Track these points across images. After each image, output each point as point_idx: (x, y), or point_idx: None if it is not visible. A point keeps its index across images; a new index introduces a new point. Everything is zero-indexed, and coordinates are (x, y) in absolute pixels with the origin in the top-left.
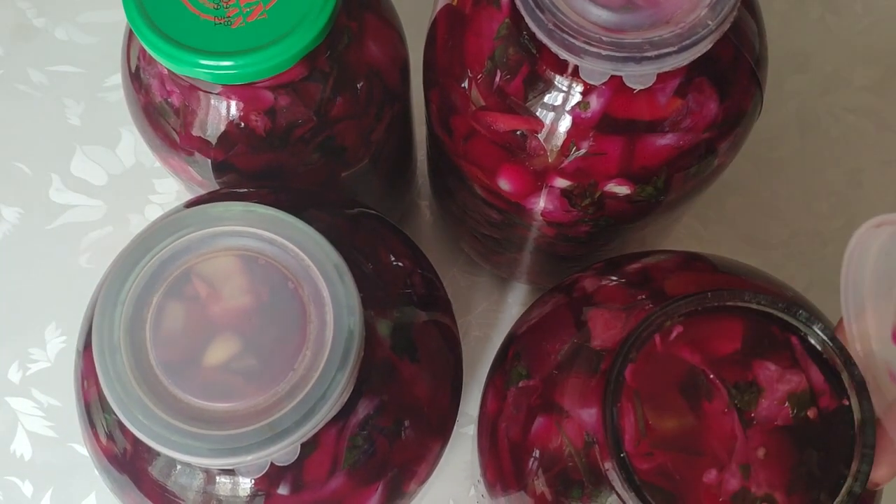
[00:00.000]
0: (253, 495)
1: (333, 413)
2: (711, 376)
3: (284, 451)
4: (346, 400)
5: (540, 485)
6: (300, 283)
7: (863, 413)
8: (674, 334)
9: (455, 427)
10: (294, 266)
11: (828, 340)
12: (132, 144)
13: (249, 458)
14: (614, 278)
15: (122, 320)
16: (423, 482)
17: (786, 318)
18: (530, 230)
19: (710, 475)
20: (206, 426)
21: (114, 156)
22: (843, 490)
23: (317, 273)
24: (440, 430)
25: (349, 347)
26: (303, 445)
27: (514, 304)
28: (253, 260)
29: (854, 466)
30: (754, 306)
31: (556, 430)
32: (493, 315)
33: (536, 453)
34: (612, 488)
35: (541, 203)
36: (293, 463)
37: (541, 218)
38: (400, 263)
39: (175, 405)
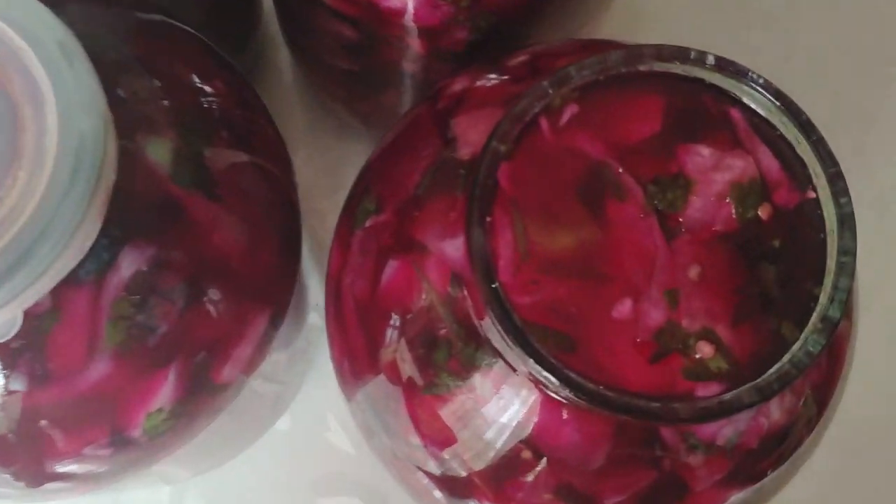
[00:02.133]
0: None
1: (70, 263)
2: (620, 171)
3: None
4: (89, 245)
5: (397, 356)
6: (8, 76)
7: (839, 207)
8: (566, 117)
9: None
10: None
11: (784, 108)
12: None
13: None
14: (493, 76)
15: None
16: (247, 370)
17: (723, 81)
18: (396, 50)
19: (623, 308)
20: None
21: None
22: (815, 316)
23: (32, 57)
24: (264, 297)
25: (81, 161)
26: (38, 316)
27: None
28: None
29: (829, 282)
30: (678, 69)
31: (415, 274)
32: None
33: (392, 314)
34: (490, 345)
35: None
36: (28, 342)
37: (404, 23)
38: (207, 87)
39: None
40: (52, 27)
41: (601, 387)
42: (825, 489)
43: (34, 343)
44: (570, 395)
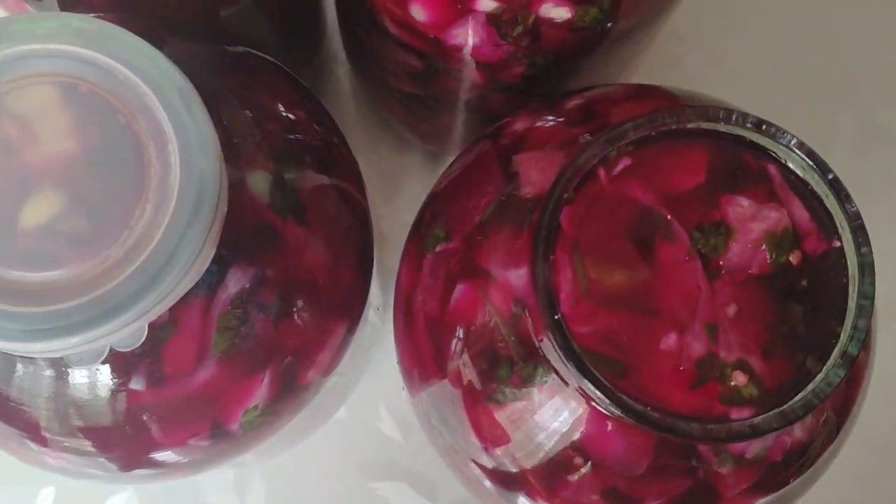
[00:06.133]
0: (113, 390)
1: (188, 284)
2: (669, 217)
3: (124, 333)
4: (205, 268)
5: (461, 366)
6: (134, 116)
7: (860, 256)
8: (620, 167)
9: (387, 322)
10: (125, 94)
11: (815, 167)
12: None
13: (74, 339)
14: (551, 118)
15: None
16: (325, 373)
17: (762, 140)
18: (457, 80)
19: (668, 340)
20: (19, 302)
21: None
22: (836, 352)
23: (154, 101)
24: (343, 310)
25: (202, 197)
26: (157, 327)
27: None
28: (72, 88)
29: (849, 322)
30: (722, 128)
31: (480, 297)
32: (424, 197)
33: (458, 330)
34: (547, 363)
35: (463, 36)
36: (148, 350)
37: (466, 58)
38: (291, 115)
39: None
40: (172, 76)
41: (648, 408)
42: (844, 494)
43: (153, 351)
44: (621, 414)
